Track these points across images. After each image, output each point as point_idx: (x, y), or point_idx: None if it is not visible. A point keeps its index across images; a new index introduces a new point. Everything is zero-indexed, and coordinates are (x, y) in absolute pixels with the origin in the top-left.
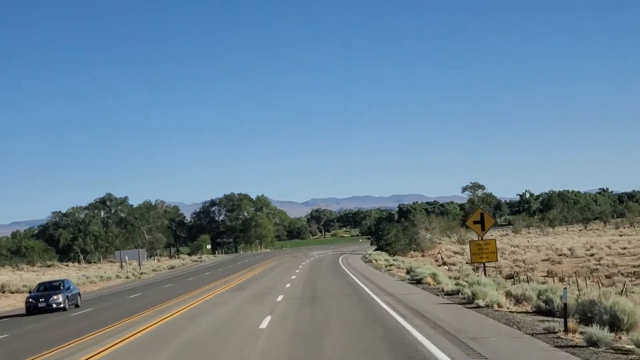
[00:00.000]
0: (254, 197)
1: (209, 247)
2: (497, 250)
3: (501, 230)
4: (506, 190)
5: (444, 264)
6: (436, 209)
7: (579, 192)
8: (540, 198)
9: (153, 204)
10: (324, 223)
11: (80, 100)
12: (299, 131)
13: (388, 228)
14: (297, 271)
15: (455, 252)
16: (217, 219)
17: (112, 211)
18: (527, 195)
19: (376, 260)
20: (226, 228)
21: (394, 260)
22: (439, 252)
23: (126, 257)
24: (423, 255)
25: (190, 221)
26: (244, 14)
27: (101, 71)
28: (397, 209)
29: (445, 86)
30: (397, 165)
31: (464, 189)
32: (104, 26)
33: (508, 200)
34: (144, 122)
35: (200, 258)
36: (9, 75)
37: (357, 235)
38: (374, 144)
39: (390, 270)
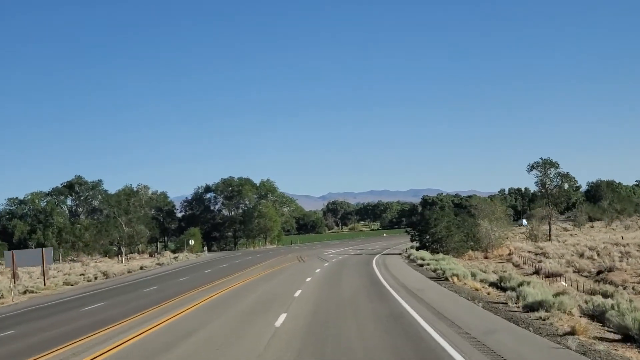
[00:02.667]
0: (257, 181)
1: (191, 242)
2: (594, 250)
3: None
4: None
5: (547, 275)
6: (463, 202)
7: (619, 183)
8: (582, 188)
9: (134, 189)
10: (341, 216)
11: (87, 92)
12: (315, 125)
13: (436, 218)
14: (282, 318)
15: (535, 254)
16: (212, 208)
17: (82, 198)
18: (566, 187)
19: (457, 275)
20: (223, 219)
21: (507, 278)
22: (512, 253)
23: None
24: (486, 257)
25: (181, 211)
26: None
27: (108, 63)
28: (421, 200)
29: (463, 81)
30: (413, 160)
31: (531, 168)
32: (92, 12)
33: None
34: (154, 114)
35: (176, 257)
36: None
37: (378, 229)
38: (390, 139)
39: (546, 317)
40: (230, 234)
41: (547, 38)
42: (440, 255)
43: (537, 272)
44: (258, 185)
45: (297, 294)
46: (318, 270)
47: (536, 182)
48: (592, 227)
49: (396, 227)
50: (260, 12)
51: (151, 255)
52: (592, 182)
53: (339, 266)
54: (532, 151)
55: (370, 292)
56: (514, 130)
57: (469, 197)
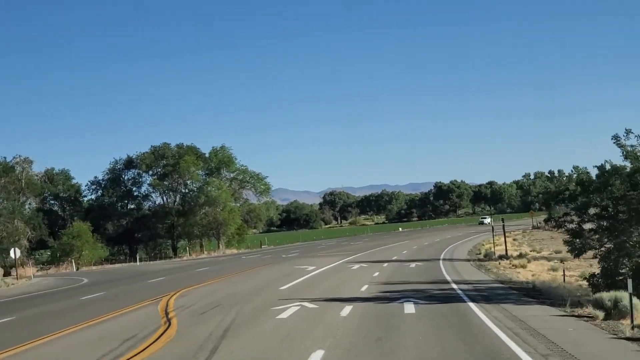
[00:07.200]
0: (207, 149)
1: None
2: None
3: None
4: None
5: None
6: (482, 189)
7: None
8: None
9: (10, 163)
10: (340, 209)
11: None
12: (314, 120)
13: None
14: None
15: None
16: (136, 192)
17: None
18: (608, 167)
19: None
20: (153, 210)
21: None
22: None
23: None
24: None
25: (90, 198)
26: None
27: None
28: (433, 188)
29: (460, 72)
30: (411, 154)
31: None
32: None
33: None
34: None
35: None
36: None
37: (384, 222)
38: (387, 133)
39: None
40: (162, 231)
41: (530, 33)
42: None
43: None
44: (207, 156)
45: None
46: None
47: None
48: None
49: (405, 219)
50: (257, 5)
51: (6, 273)
52: None
53: None
54: (540, 145)
55: None
56: (522, 122)
57: (489, 183)
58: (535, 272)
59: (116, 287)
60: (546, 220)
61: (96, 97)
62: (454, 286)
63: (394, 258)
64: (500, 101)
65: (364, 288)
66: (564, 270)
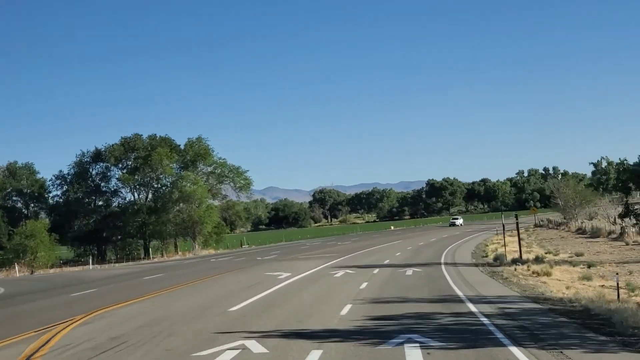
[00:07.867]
0: (182, 141)
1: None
2: None
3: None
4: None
5: None
6: (476, 187)
7: None
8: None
9: None
10: (330, 207)
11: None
12: (305, 119)
13: None
14: None
15: None
16: (105, 188)
17: None
18: (605, 164)
19: None
20: (122, 207)
21: None
22: None
23: None
24: None
25: (55, 194)
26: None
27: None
28: (425, 185)
29: (453, 69)
30: (403, 152)
31: None
32: None
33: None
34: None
35: None
36: None
37: (375, 221)
38: (377, 131)
39: None
40: (132, 230)
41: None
42: None
43: None
44: (183, 147)
45: None
46: None
47: None
48: None
49: (397, 218)
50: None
51: None
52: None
53: None
54: (534, 142)
55: None
56: (515, 119)
57: (482, 180)
58: (566, 281)
59: (21, 304)
60: (622, 216)
61: (96, 97)
62: (472, 308)
63: (386, 262)
64: (494, 98)
65: (345, 310)
66: (617, 284)
